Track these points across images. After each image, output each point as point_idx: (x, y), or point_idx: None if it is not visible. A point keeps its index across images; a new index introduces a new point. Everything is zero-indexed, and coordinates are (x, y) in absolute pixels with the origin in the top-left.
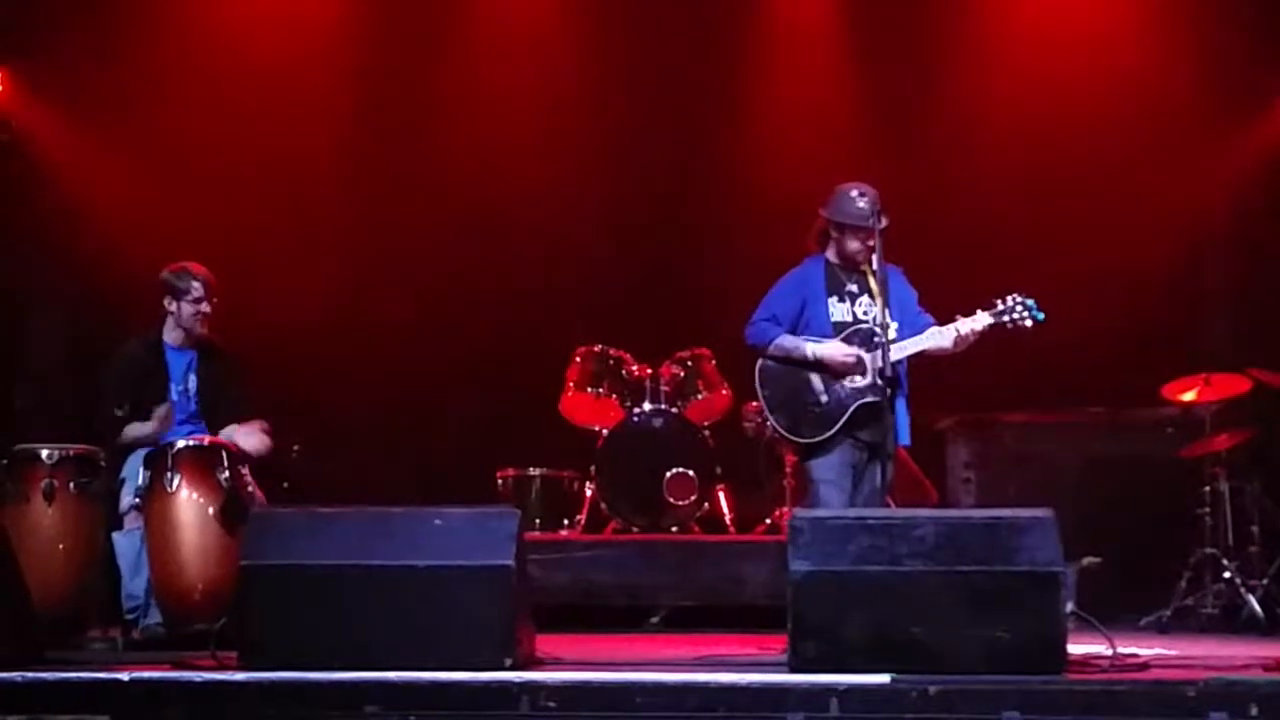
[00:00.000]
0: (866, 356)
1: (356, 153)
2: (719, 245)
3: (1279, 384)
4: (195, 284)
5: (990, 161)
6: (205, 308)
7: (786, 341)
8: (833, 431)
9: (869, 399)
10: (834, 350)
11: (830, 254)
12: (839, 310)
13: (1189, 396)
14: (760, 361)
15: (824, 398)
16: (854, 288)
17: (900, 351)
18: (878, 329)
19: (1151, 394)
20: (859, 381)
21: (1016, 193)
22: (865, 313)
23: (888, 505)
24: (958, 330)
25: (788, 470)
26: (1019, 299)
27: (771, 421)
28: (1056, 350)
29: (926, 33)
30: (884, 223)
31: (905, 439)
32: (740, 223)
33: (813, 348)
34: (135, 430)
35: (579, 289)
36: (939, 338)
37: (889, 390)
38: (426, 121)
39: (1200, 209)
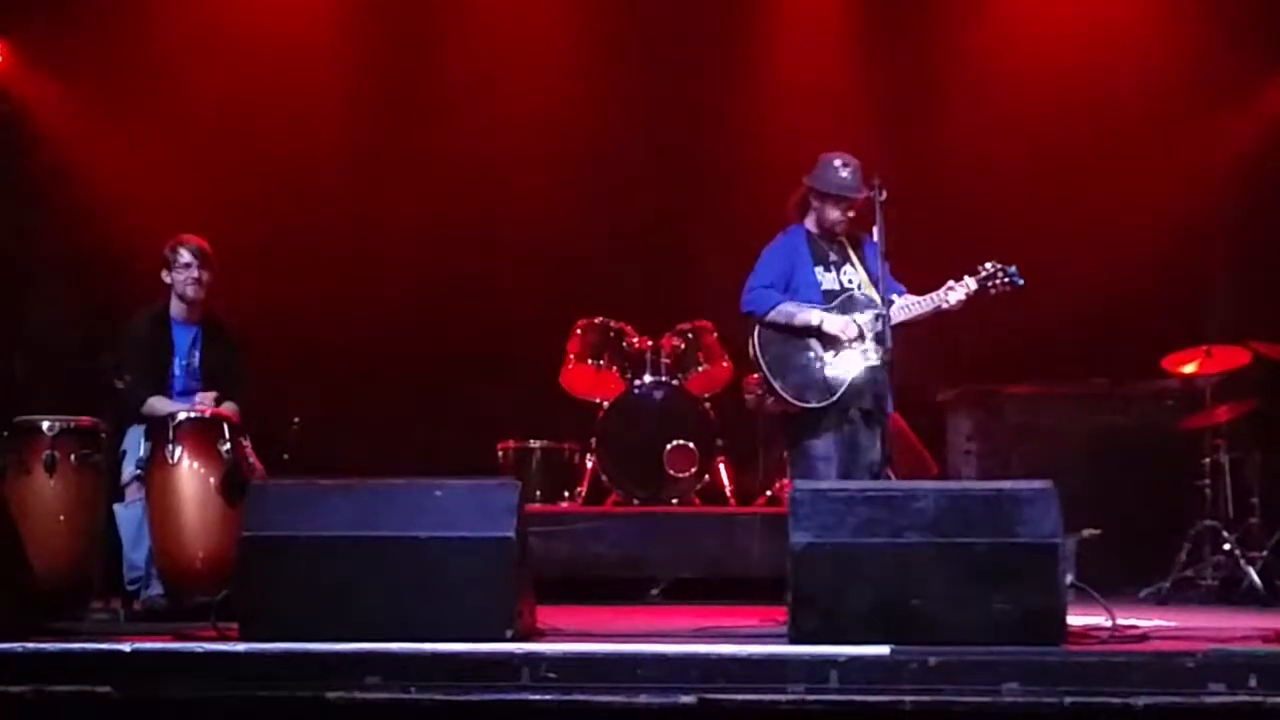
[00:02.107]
0: (863, 321)
1: (359, 125)
2: (721, 218)
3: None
4: (183, 250)
5: (994, 136)
6: (195, 273)
7: (789, 306)
8: (836, 397)
9: (870, 363)
10: (836, 323)
11: (810, 224)
12: (826, 279)
13: (1190, 369)
14: (758, 329)
15: (825, 364)
16: (836, 257)
17: (894, 317)
18: (867, 294)
19: (1152, 366)
20: (858, 347)
21: (1020, 166)
22: (850, 280)
23: (888, 475)
24: (949, 296)
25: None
26: (999, 265)
27: (776, 386)
28: (1058, 322)
29: (932, 5)
30: (866, 192)
31: (890, 406)
32: (742, 196)
33: (818, 315)
34: (159, 405)
35: (580, 261)
36: (930, 304)
37: (888, 356)
38: (428, 94)
39: (1202, 182)
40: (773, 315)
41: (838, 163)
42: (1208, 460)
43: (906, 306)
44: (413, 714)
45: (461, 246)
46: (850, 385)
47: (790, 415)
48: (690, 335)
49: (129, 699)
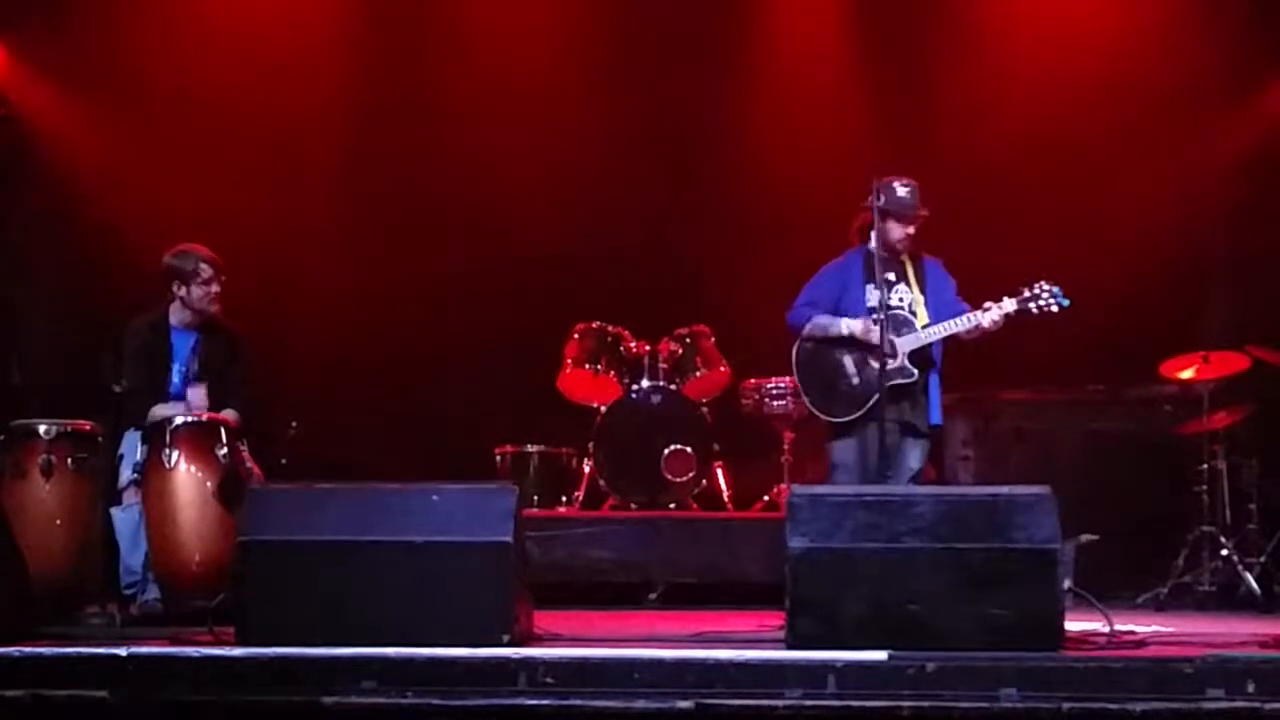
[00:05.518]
0: (899, 341)
1: (358, 128)
2: (719, 222)
3: (1278, 361)
4: (203, 265)
5: (987, 142)
6: (216, 288)
7: (823, 319)
8: (863, 411)
9: (898, 381)
10: (857, 325)
11: (874, 244)
12: (873, 296)
13: (1188, 374)
14: (798, 344)
15: (855, 380)
16: (892, 276)
17: (930, 336)
18: (910, 314)
19: (1150, 371)
20: (889, 364)
21: (1017, 170)
22: (901, 299)
23: (928, 482)
24: (984, 316)
25: (785, 447)
26: (1045, 286)
27: (805, 399)
28: (1055, 327)
29: (928, 12)
30: (925, 211)
31: (936, 418)
32: (741, 200)
33: (846, 322)
34: (161, 410)
35: (578, 265)
36: (966, 323)
37: (918, 373)
38: (428, 98)
39: (1200, 186)
40: (809, 329)
41: (897, 184)
42: (1205, 466)
43: (945, 327)
44: (409, 719)
45: (459, 250)
46: (878, 400)
47: (829, 423)
48: (688, 340)
49: (125, 703)
